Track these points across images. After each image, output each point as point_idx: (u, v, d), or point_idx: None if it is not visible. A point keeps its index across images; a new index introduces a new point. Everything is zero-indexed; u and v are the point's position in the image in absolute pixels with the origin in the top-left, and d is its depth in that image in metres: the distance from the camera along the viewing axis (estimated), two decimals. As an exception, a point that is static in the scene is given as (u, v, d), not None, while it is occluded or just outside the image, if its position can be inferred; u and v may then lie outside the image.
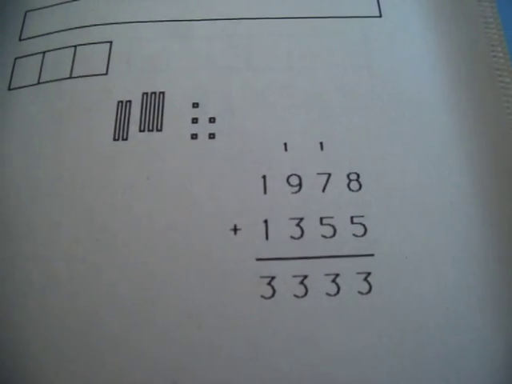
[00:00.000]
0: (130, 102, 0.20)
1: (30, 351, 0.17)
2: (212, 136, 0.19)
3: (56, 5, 0.22)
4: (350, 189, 0.19)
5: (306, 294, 0.17)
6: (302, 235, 0.18)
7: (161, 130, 0.19)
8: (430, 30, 0.21)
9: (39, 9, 0.22)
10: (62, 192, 0.19)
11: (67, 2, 0.22)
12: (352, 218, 0.18)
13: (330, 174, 0.19)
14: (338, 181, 0.19)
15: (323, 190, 0.19)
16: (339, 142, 0.19)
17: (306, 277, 0.17)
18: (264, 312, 0.17)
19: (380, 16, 0.21)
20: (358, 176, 0.19)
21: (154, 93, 0.20)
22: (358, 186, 0.19)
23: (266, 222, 0.18)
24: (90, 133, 0.19)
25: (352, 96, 0.20)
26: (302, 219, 0.18)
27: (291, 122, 0.19)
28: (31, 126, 0.20)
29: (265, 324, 0.17)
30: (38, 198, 0.19)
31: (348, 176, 0.19)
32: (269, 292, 0.17)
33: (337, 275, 0.17)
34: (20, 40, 0.22)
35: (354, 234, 0.18)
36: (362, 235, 0.18)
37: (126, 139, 0.19)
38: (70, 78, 0.20)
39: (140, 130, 0.19)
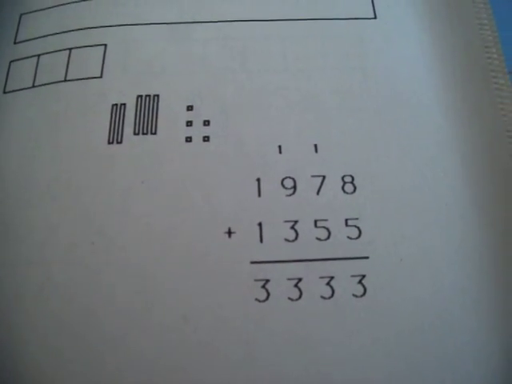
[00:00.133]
0: (124, 105, 0.20)
1: (28, 354, 0.17)
2: (206, 139, 0.19)
3: (51, 8, 0.22)
4: (344, 191, 0.19)
5: (300, 296, 0.17)
6: (296, 238, 0.18)
7: (155, 133, 0.19)
8: (425, 32, 0.21)
9: (34, 12, 0.22)
10: (57, 195, 0.19)
11: (62, 4, 0.22)
12: (346, 220, 0.18)
13: (324, 177, 0.19)
14: (333, 183, 0.19)
15: (318, 193, 0.19)
16: (334, 144, 0.19)
17: (300, 280, 0.17)
18: (259, 315, 0.17)
19: (375, 18, 0.21)
20: (353, 178, 0.19)
21: (149, 96, 0.20)
22: (352, 189, 0.19)
23: (260, 224, 0.18)
24: (84, 136, 0.19)
25: (347, 98, 0.20)
26: (296, 222, 0.18)
27: (286, 124, 0.19)
28: (26, 129, 0.20)
29: (260, 327, 0.17)
30: (34, 202, 0.19)
31: (342, 178, 0.19)
32: (263, 295, 0.17)
33: (331, 278, 0.17)
34: (15, 43, 0.22)
35: (348, 237, 0.18)
36: (357, 238, 0.18)
37: (121, 142, 0.19)
38: (65, 81, 0.20)
39: (134, 133, 0.19)
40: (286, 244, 0.18)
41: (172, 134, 0.19)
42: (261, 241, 0.18)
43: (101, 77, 0.20)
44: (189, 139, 0.19)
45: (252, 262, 0.18)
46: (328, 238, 0.18)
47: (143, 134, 0.19)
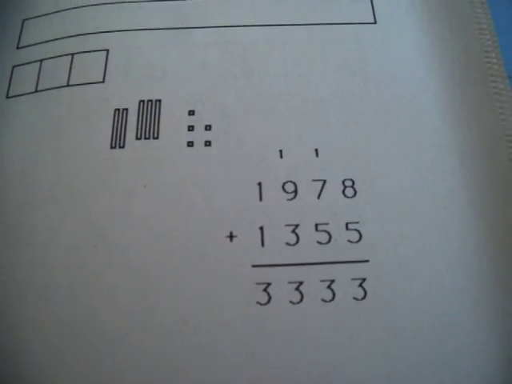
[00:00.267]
0: (126, 109, 0.20)
1: (29, 354, 0.17)
2: (208, 143, 0.19)
3: (53, 13, 0.22)
4: (345, 195, 0.19)
5: (301, 300, 0.17)
6: (297, 242, 0.18)
7: (157, 138, 0.19)
8: (425, 36, 0.21)
9: (37, 17, 0.22)
10: (60, 199, 0.19)
11: (64, 10, 0.22)
12: (347, 224, 0.18)
13: (325, 181, 0.19)
14: (333, 187, 0.19)
15: (318, 197, 0.19)
16: (334, 148, 0.19)
17: (301, 283, 0.18)
18: (260, 318, 0.17)
19: (375, 22, 0.21)
20: (353, 182, 0.19)
21: (151, 101, 0.20)
22: (352, 193, 0.19)
23: (261, 228, 0.18)
24: (87, 141, 0.19)
25: (347, 102, 0.20)
26: (297, 226, 0.18)
27: (287, 128, 0.20)
28: (29, 133, 0.20)
29: (261, 330, 0.17)
30: (37, 205, 0.19)
31: (343, 182, 0.19)
32: (265, 298, 0.17)
33: (332, 281, 0.18)
34: (18, 48, 0.22)
35: (349, 240, 0.18)
36: (357, 241, 0.18)
37: (123, 147, 0.19)
38: (67, 86, 0.20)
39: (137, 138, 0.19)
40: (287, 248, 0.18)
41: (174, 138, 0.19)
42: (262, 244, 0.18)
43: (103, 82, 0.20)
44: (190, 144, 0.19)
45: (253, 266, 0.18)
46: (329, 241, 0.18)
47: (145, 138, 0.19)
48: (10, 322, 0.17)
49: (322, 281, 0.18)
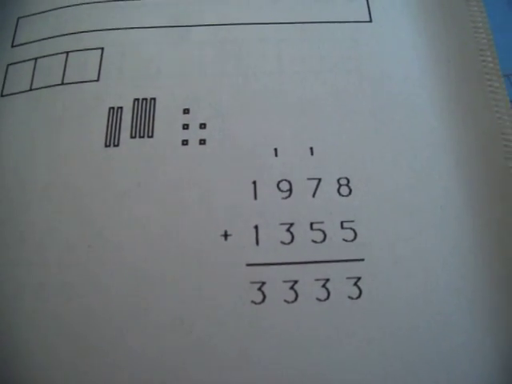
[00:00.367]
0: (121, 108, 0.20)
1: (26, 353, 0.17)
2: (203, 142, 0.19)
3: (48, 11, 0.22)
4: (340, 194, 0.19)
5: (296, 299, 0.17)
6: (292, 240, 0.18)
7: (152, 137, 0.19)
8: (420, 35, 0.21)
9: (31, 15, 0.22)
10: (54, 198, 0.19)
11: (59, 8, 0.22)
12: (342, 222, 0.18)
13: (320, 179, 0.19)
14: (328, 186, 0.19)
15: (313, 195, 0.19)
16: (329, 146, 0.19)
17: (296, 282, 0.18)
18: (255, 317, 0.17)
19: (370, 21, 0.21)
20: (348, 181, 0.19)
21: (146, 99, 0.20)
22: (348, 191, 0.19)
23: (256, 227, 0.18)
24: (81, 139, 0.19)
25: (342, 101, 0.20)
26: (292, 224, 0.18)
27: (282, 127, 0.20)
28: (24, 132, 0.20)
29: (255, 329, 0.17)
30: (32, 205, 0.19)
31: (338, 181, 0.19)
32: (259, 297, 0.17)
33: (327, 280, 0.18)
34: (12, 46, 0.22)
35: (344, 239, 0.18)
36: (352, 240, 0.18)
37: (118, 145, 0.19)
38: (62, 84, 0.20)
39: (131, 137, 0.19)
40: (282, 246, 0.18)
41: (168, 137, 0.19)
42: (257, 243, 0.18)
43: (98, 80, 0.20)
44: (185, 142, 0.19)
45: (248, 265, 0.18)
46: (324, 240, 0.18)
47: (140, 137, 0.19)
48: (6, 321, 0.17)
49: (317, 280, 0.18)
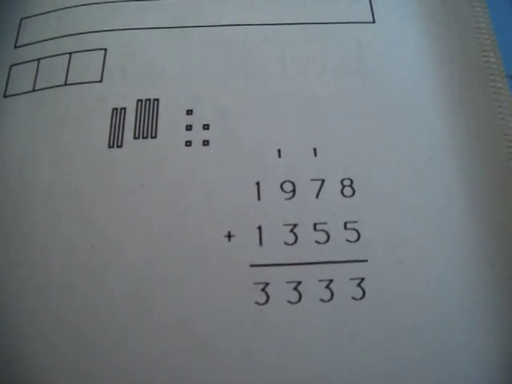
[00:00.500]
0: (124, 109, 0.20)
1: (30, 353, 0.17)
2: (206, 143, 0.19)
3: (51, 12, 0.22)
4: (343, 194, 0.19)
5: (299, 299, 0.17)
6: (295, 241, 0.18)
7: (155, 137, 0.19)
8: (423, 36, 0.21)
9: (34, 16, 0.22)
10: (58, 199, 0.19)
11: (62, 9, 0.22)
12: (345, 223, 0.18)
13: (323, 180, 0.19)
14: (332, 187, 0.19)
15: (317, 196, 0.19)
16: (333, 147, 0.19)
17: (299, 283, 0.18)
18: (258, 318, 0.17)
19: (373, 22, 0.21)
20: (352, 182, 0.19)
21: (149, 100, 0.20)
22: (351, 192, 0.19)
23: (259, 228, 0.18)
24: (84, 140, 0.19)
25: (345, 101, 0.20)
26: (295, 225, 0.18)
27: (285, 127, 0.20)
28: (27, 133, 0.20)
29: (259, 330, 0.17)
30: (35, 205, 0.19)
31: (342, 182, 0.19)
32: (263, 298, 0.17)
33: (330, 281, 0.18)
34: (15, 47, 0.22)
35: (347, 240, 0.18)
36: (356, 241, 0.18)
37: (121, 146, 0.19)
38: (65, 85, 0.20)
39: (135, 137, 0.19)
40: (286, 247, 0.18)
41: (172, 138, 0.19)
42: (260, 244, 0.18)
43: (101, 81, 0.20)
44: (188, 143, 0.19)
45: (251, 265, 0.18)
46: (327, 241, 0.18)
47: (143, 138, 0.19)
48: (9, 321, 0.17)
49: (321, 280, 0.18)
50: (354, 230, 0.18)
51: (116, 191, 0.19)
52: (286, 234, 0.18)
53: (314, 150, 0.19)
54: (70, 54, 0.21)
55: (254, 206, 0.18)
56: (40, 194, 0.19)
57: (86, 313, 0.17)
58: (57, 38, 0.21)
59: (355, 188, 0.19)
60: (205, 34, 0.21)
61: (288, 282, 0.18)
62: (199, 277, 0.18)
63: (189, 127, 0.20)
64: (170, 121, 0.20)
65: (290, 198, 0.19)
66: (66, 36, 0.21)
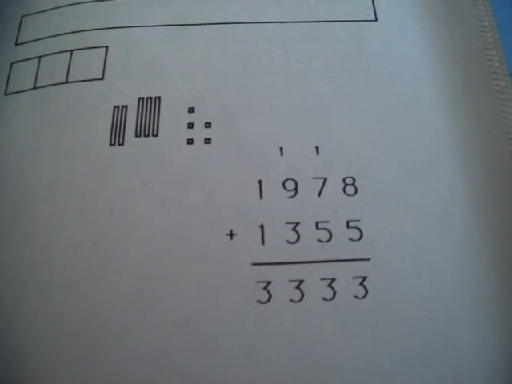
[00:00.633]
0: (126, 106, 0.20)
1: (27, 354, 0.17)
2: (208, 141, 0.19)
3: (52, 9, 0.22)
4: (345, 193, 0.19)
5: (302, 298, 0.17)
6: (297, 240, 0.18)
7: (157, 135, 0.19)
8: (426, 34, 0.21)
9: (35, 13, 0.22)
10: (59, 197, 0.19)
11: (63, 6, 0.22)
12: (348, 222, 0.18)
13: (325, 179, 0.19)
14: (334, 185, 0.19)
15: (319, 195, 0.19)
16: (335, 146, 0.19)
17: (302, 281, 0.17)
18: (260, 317, 0.17)
19: (376, 20, 0.21)
20: (354, 180, 0.19)
21: (150, 98, 0.20)
22: (353, 190, 0.19)
23: (262, 226, 0.18)
24: (86, 138, 0.19)
25: (348, 100, 0.20)
26: (297, 224, 0.18)
27: (287, 126, 0.20)
28: (28, 131, 0.20)
29: (261, 329, 0.17)
30: (36, 203, 0.19)
31: (344, 180, 0.19)
32: (265, 297, 0.17)
33: (333, 280, 0.18)
34: (16, 45, 0.22)
35: (349, 239, 0.18)
36: (358, 239, 0.18)
37: (122, 144, 0.19)
38: (66, 82, 0.20)
39: (136, 135, 0.19)
40: (288, 246, 0.18)
41: (173, 136, 0.19)
42: (262, 243, 0.18)
43: (102, 79, 0.20)
44: (190, 141, 0.19)
45: (254, 264, 0.18)
46: (329, 239, 0.18)
47: (145, 135, 0.19)
48: (10, 319, 0.17)
49: (323, 279, 0.18)
50: (357, 228, 0.18)
51: (117, 189, 0.19)
52: (288, 232, 0.18)
53: (317, 148, 0.19)
54: (71, 51, 0.21)
55: (256, 204, 0.18)
56: (41, 192, 0.19)
57: (87, 311, 0.17)
58: (58, 35, 0.21)
59: (357, 186, 0.19)
60: (207, 32, 0.21)
61: (290, 281, 0.18)
62: (201, 275, 0.18)
63: (190, 125, 0.20)
64: (171, 119, 0.20)
65: (292, 197, 0.19)
66: (67, 33, 0.21)
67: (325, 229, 0.18)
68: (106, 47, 0.21)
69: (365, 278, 0.18)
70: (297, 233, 0.18)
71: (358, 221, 0.18)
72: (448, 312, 0.17)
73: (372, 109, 0.20)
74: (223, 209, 0.18)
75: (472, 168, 0.19)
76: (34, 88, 0.20)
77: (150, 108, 0.20)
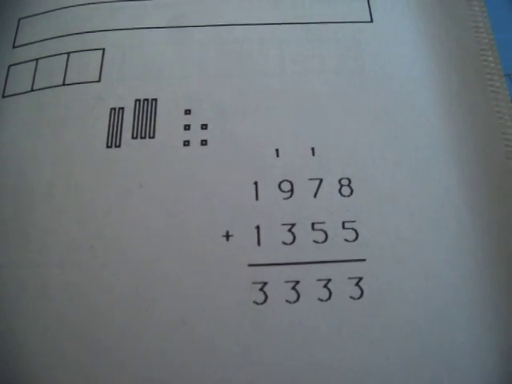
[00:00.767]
0: (122, 109, 0.20)
1: (26, 356, 0.17)
2: (204, 143, 0.19)
3: (49, 12, 0.22)
4: (341, 194, 0.19)
5: (298, 299, 0.17)
6: (293, 241, 0.18)
7: (153, 137, 0.19)
8: (421, 35, 0.21)
9: (32, 16, 0.22)
10: (56, 199, 0.19)
11: (60, 8, 0.22)
12: (343, 223, 0.18)
13: (321, 180, 0.19)
14: (330, 186, 0.19)
15: (315, 196, 0.19)
16: (331, 147, 0.19)
17: (297, 282, 0.18)
18: (256, 317, 0.17)
19: (371, 21, 0.21)
20: (350, 181, 0.19)
21: (147, 100, 0.20)
22: (349, 191, 0.19)
23: (257, 227, 0.18)
24: (83, 140, 0.19)
25: (343, 101, 0.20)
26: (293, 225, 0.18)
27: (283, 127, 0.20)
28: (25, 133, 0.20)
29: (257, 329, 0.17)
30: (34, 206, 0.19)
31: (339, 181, 0.19)
32: (261, 298, 0.17)
33: (328, 280, 0.18)
34: (14, 47, 0.22)
35: (345, 239, 0.18)
36: (354, 240, 0.18)
37: (119, 146, 0.19)
38: (63, 85, 0.20)
39: (133, 137, 0.19)
40: (284, 247, 0.18)
41: (170, 137, 0.19)
42: (258, 244, 0.18)
43: (99, 81, 0.20)
44: (187, 143, 0.19)
45: (250, 265, 0.18)
46: (325, 240, 0.18)
47: (141, 137, 0.19)
48: (9, 321, 0.17)
49: (319, 280, 0.18)
50: (352, 229, 0.18)
51: (115, 191, 0.19)
52: (284, 233, 0.18)
53: (312, 149, 0.19)
54: (68, 53, 0.21)
55: (252, 205, 0.18)
56: (39, 193, 0.19)
57: (85, 313, 0.17)
58: (55, 37, 0.21)
59: (353, 187, 0.19)
60: (203, 34, 0.21)
61: (286, 282, 0.18)
62: (198, 276, 0.18)
63: (187, 127, 0.20)
64: (168, 121, 0.20)
65: (287, 198, 0.19)
66: (64, 36, 0.21)
67: (320, 230, 0.18)
68: (103, 49, 0.21)
69: (360, 278, 0.18)
70: (293, 234, 0.18)
71: (353, 222, 0.18)
72: (443, 312, 0.17)
73: (368, 109, 0.20)
74: (219, 210, 0.18)
75: (467, 168, 0.19)
76: (32, 90, 0.21)
77: (146, 110, 0.20)
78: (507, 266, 0.18)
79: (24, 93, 0.21)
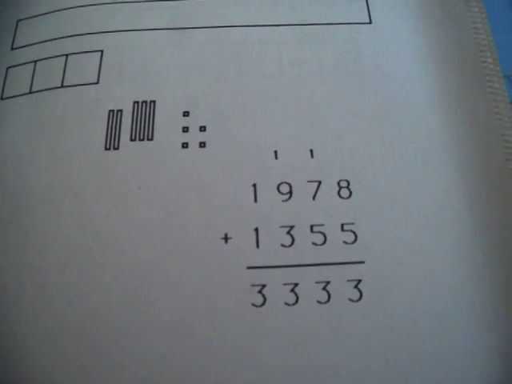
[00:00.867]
0: (121, 111, 0.20)
1: (26, 358, 0.17)
2: (202, 145, 0.19)
3: (48, 13, 0.22)
4: (340, 196, 0.19)
5: (296, 301, 0.17)
6: (292, 243, 0.18)
7: (152, 139, 0.19)
8: (420, 36, 0.21)
9: (31, 18, 0.22)
10: (55, 201, 0.19)
11: (59, 10, 0.22)
12: (342, 225, 0.18)
13: (320, 182, 0.19)
14: (329, 188, 0.19)
15: (313, 198, 0.19)
16: (329, 148, 0.19)
17: (296, 285, 0.18)
18: (255, 320, 0.17)
19: (370, 23, 0.21)
20: (349, 183, 0.19)
21: (145, 101, 0.20)
22: (348, 193, 0.19)
23: (256, 230, 0.18)
24: (81, 142, 0.19)
25: (342, 102, 0.20)
26: (292, 227, 0.18)
27: (282, 129, 0.20)
28: (23, 135, 0.20)
29: (256, 332, 0.17)
30: (31, 208, 0.19)
31: (338, 183, 0.19)
32: (260, 300, 0.17)
33: (327, 283, 0.18)
34: (12, 49, 0.22)
35: (344, 242, 0.18)
36: (353, 242, 0.18)
37: (118, 148, 0.19)
38: (62, 87, 0.20)
39: (131, 139, 0.19)
40: (283, 249, 0.18)
41: (168, 139, 0.19)
42: (257, 246, 0.18)
43: (97, 83, 0.20)
44: (185, 145, 0.19)
45: (248, 267, 0.18)
46: (324, 242, 0.18)
47: (140, 139, 0.19)
48: (8, 323, 0.17)
49: (318, 282, 0.18)
50: (351, 231, 0.18)
51: (113, 193, 0.19)
52: (282, 235, 0.18)
53: (311, 151, 0.19)
54: (67, 55, 0.21)
55: (250, 207, 0.18)
56: (38, 196, 0.19)
57: (84, 314, 0.17)
58: (53, 39, 0.21)
59: (352, 189, 0.19)
60: (201, 36, 0.21)
61: (285, 284, 0.18)
62: (196, 279, 0.18)
63: (185, 129, 0.20)
64: (166, 123, 0.20)
65: (286, 200, 0.19)
66: (62, 38, 0.21)
67: (319, 232, 0.18)
68: (101, 51, 0.21)
69: (359, 280, 0.18)
70: (291, 236, 0.18)
71: (352, 224, 0.18)
72: (443, 313, 0.17)
73: (366, 111, 0.20)
74: (218, 212, 0.18)
75: (466, 169, 0.19)
76: (30, 92, 0.21)
77: (144, 112, 0.20)
78: (506, 268, 0.18)
79: (22, 95, 0.21)
